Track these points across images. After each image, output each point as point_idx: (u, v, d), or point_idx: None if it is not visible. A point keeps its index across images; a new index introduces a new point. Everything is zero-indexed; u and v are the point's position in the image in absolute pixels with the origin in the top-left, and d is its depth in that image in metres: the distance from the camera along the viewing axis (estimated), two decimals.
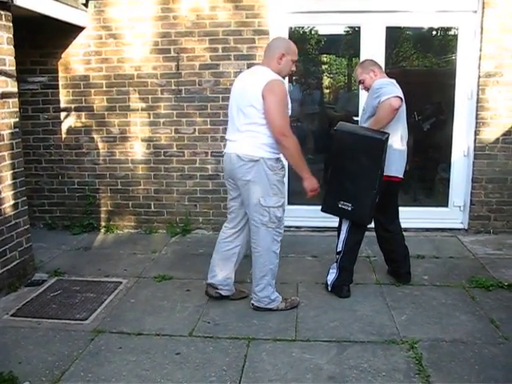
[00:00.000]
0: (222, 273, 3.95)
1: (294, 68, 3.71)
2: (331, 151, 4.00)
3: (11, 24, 4.21)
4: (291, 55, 3.63)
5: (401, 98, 3.74)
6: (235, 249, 3.95)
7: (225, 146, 5.52)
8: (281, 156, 3.65)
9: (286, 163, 3.74)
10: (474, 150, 5.49)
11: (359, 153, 3.81)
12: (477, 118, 5.43)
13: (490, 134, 5.42)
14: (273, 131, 3.48)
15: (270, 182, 3.59)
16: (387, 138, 3.77)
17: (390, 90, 3.75)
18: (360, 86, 4.27)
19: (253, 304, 3.84)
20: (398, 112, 3.76)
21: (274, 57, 3.59)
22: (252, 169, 3.56)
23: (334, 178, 4.01)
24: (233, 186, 3.79)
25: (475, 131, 5.46)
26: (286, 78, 5.57)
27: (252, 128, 3.54)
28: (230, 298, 4.01)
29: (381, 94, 3.75)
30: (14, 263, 4.29)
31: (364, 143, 3.80)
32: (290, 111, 3.60)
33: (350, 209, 3.87)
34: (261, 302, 3.80)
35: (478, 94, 5.39)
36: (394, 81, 3.95)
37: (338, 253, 4.06)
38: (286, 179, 3.89)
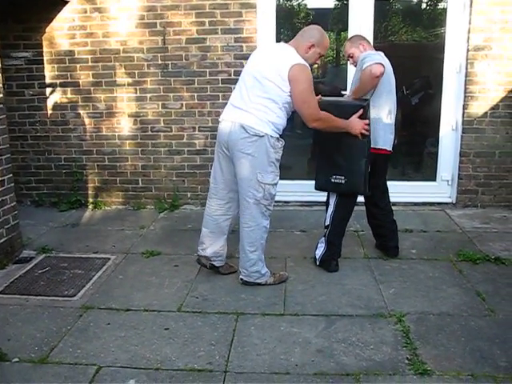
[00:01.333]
0: (213, 246, 3.94)
1: (318, 61, 3.76)
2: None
3: None
4: (321, 48, 3.63)
5: (383, 65, 3.70)
6: (227, 221, 3.93)
7: (212, 120, 5.60)
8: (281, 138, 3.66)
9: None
10: (462, 124, 5.49)
11: None
12: (465, 92, 5.41)
13: (479, 108, 5.41)
14: (305, 119, 3.55)
15: (270, 158, 3.56)
16: (368, 104, 3.78)
17: (372, 58, 3.73)
18: (349, 61, 4.22)
19: (242, 279, 3.84)
20: (379, 79, 3.73)
21: (304, 44, 3.57)
22: (255, 143, 3.51)
23: (323, 154, 4.00)
24: (225, 155, 3.71)
25: (463, 105, 5.45)
26: None
27: (265, 103, 3.49)
28: (219, 271, 4.03)
29: (363, 63, 3.74)
30: (1, 240, 4.26)
31: (346, 112, 3.77)
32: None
33: (343, 181, 3.86)
34: (250, 277, 3.80)
35: (466, 68, 5.36)
36: (381, 53, 3.92)
37: (326, 227, 4.06)
38: None
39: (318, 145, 4.02)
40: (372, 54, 3.81)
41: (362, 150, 3.80)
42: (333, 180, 3.90)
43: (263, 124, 3.49)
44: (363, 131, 3.72)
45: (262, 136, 3.49)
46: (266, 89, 3.48)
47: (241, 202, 3.74)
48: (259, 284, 3.82)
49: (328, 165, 3.93)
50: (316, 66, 7.39)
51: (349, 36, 4.21)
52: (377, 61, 3.70)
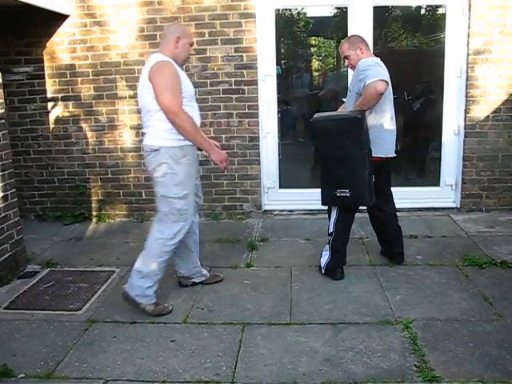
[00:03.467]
0: (186, 265, 3.95)
1: (191, 51, 3.72)
2: (314, 143, 3.98)
3: None
4: (187, 38, 3.59)
5: (386, 82, 3.69)
6: (188, 238, 3.82)
7: (214, 131, 5.61)
8: (187, 144, 3.50)
9: (198, 153, 3.70)
10: (465, 129, 5.48)
11: (340, 137, 3.79)
12: (466, 96, 5.41)
13: (480, 111, 5.41)
14: (165, 112, 3.38)
15: (172, 171, 3.46)
16: (364, 116, 3.75)
17: (375, 73, 3.68)
18: (345, 62, 4.14)
19: (124, 288, 3.64)
20: (383, 96, 3.73)
21: (170, 41, 3.53)
22: (154, 158, 3.47)
23: (325, 169, 3.98)
24: None
25: (465, 109, 5.44)
26: (269, 62, 5.56)
27: (150, 117, 3.46)
28: (204, 283, 4.03)
29: (366, 77, 3.69)
30: (6, 256, 4.25)
31: (342, 126, 3.79)
32: (186, 92, 3.46)
33: (348, 195, 3.84)
34: (133, 290, 3.58)
35: (467, 72, 5.36)
36: (378, 59, 3.90)
37: (330, 234, 4.05)
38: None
39: (320, 159, 4.00)
40: (373, 66, 3.75)
41: (364, 162, 3.78)
42: (338, 194, 3.87)
43: (157, 138, 3.45)
44: (221, 164, 3.62)
45: (158, 149, 3.44)
46: (145, 104, 3.47)
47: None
48: (138, 304, 3.58)
49: (331, 180, 3.91)
50: (316, 73, 7.42)
51: (344, 41, 4.13)
52: (381, 77, 3.65)
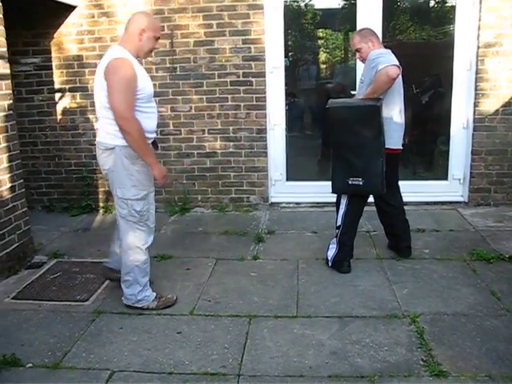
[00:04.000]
0: (116, 258, 3.76)
1: (156, 45, 3.48)
2: (329, 130, 3.92)
3: (1, 4, 4.13)
4: (153, 31, 3.35)
5: (398, 67, 3.67)
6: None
7: (221, 123, 5.60)
8: None
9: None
10: (474, 122, 5.45)
11: (357, 124, 3.76)
12: (476, 90, 5.37)
13: (490, 105, 5.37)
14: (114, 114, 3.19)
15: (128, 171, 3.32)
16: (381, 104, 3.74)
17: (387, 59, 3.68)
18: (356, 55, 4.14)
19: (123, 301, 3.61)
20: (395, 81, 3.71)
21: (134, 33, 3.29)
22: (109, 157, 3.33)
23: (338, 156, 3.94)
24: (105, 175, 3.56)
25: (474, 103, 5.41)
26: (277, 54, 5.53)
27: (105, 113, 3.28)
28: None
29: (377, 64, 3.68)
30: (13, 246, 4.27)
31: (359, 113, 3.76)
32: (143, 94, 3.27)
33: (361, 183, 3.82)
34: (128, 300, 3.56)
35: (477, 65, 5.32)
36: (389, 51, 3.88)
37: (338, 227, 4.04)
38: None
39: (332, 147, 3.94)
40: (385, 54, 3.76)
41: (379, 150, 3.77)
42: (350, 182, 3.85)
43: (111, 136, 3.28)
44: (161, 181, 3.45)
45: (113, 148, 3.29)
46: (101, 100, 3.27)
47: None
48: (141, 308, 3.56)
49: (344, 167, 3.88)
50: (324, 66, 7.38)
51: (355, 34, 4.11)
52: (392, 62, 3.65)
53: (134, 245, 3.46)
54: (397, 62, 3.69)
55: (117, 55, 3.21)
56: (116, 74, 3.15)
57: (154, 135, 3.48)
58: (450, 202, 5.69)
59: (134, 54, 3.30)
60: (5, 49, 4.18)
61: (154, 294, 3.62)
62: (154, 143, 3.55)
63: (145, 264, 3.53)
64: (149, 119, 3.36)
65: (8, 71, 4.23)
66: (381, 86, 3.70)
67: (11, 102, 4.27)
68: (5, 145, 4.18)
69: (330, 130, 3.92)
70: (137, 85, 3.21)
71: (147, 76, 3.40)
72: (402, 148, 4.06)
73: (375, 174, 3.80)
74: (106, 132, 3.30)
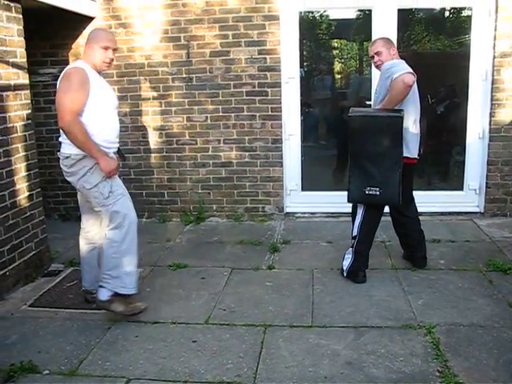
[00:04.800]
0: (89, 277, 3.77)
1: (109, 55, 3.43)
2: (348, 139, 3.91)
3: (21, 16, 4.21)
4: (99, 42, 3.39)
5: (413, 74, 3.68)
6: (94, 251, 3.73)
7: (237, 133, 5.63)
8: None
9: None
10: (490, 132, 5.43)
11: (379, 134, 3.76)
12: (492, 100, 5.35)
13: (506, 115, 5.34)
14: (58, 118, 3.29)
15: (87, 179, 3.42)
16: (403, 115, 3.73)
17: (401, 68, 3.70)
18: (372, 60, 4.10)
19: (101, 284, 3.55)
20: (411, 89, 3.71)
21: (87, 48, 3.44)
22: (69, 163, 3.42)
23: (356, 166, 3.91)
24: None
25: (490, 113, 5.39)
26: (293, 65, 5.54)
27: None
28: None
29: (392, 73, 3.70)
30: (30, 254, 4.31)
31: (383, 124, 3.77)
32: (97, 102, 3.34)
33: (378, 193, 3.81)
34: (107, 283, 3.50)
35: (492, 75, 5.31)
36: (403, 61, 3.90)
37: (354, 237, 4.03)
38: None
39: (351, 156, 3.92)
40: (399, 63, 3.78)
41: (397, 161, 3.77)
42: (367, 192, 3.84)
43: (67, 146, 3.39)
44: (108, 174, 3.41)
45: (68, 157, 3.39)
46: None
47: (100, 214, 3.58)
48: (108, 308, 3.53)
49: (362, 176, 3.87)
50: (339, 76, 7.39)
51: (377, 39, 4.12)
52: (407, 70, 3.67)
53: (121, 224, 3.45)
54: (411, 71, 3.70)
55: (72, 65, 3.40)
56: (66, 80, 3.29)
57: (115, 145, 3.59)
58: (466, 213, 5.66)
59: (93, 68, 3.41)
60: (24, 59, 4.25)
61: (134, 289, 3.55)
62: (120, 153, 3.69)
63: (133, 243, 3.52)
64: (105, 129, 3.44)
65: (27, 81, 4.30)
66: (398, 93, 3.71)
67: (30, 111, 4.34)
68: (23, 154, 4.24)
69: (350, 138, 3.90)
70: (88, 91, 3.30)
71: (107, 89, 3.52)
72: (418, 158, 4.06)
73: (393, 184, 3.79)
74: (64, 143, 3.42)
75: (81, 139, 3.30)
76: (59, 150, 3.49)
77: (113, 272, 3.46)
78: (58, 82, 3.39)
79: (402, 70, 3.66)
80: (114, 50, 3.51)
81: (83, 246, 3.79)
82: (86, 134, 3.31)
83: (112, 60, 3.52)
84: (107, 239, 3.48)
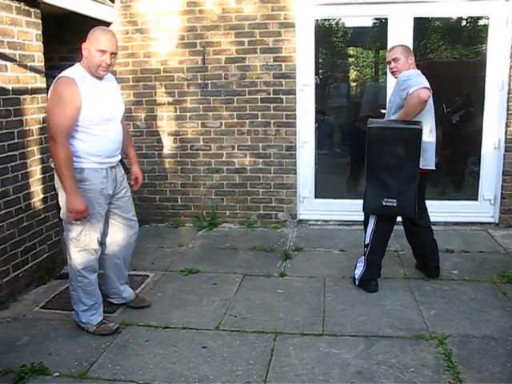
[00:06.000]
0: (105, 284, 3.74)
1: (105, 59, 3.18)
2: (367, 149, 3.89)
3: (40, 21, 4.27)
4: (93, 44, 3.17)
5: (429, 89, 3.67)
6: (110, 261, 3.68)
7: (251, 139, 5.63)
8: (89, 167, 3.25)
9: (107, 174, 3.32)
10: (505, 143, 5.38)
11: (398, 146, 3.75)
12: (508, 110, 5.31)
13: None
14: (48, 134, 3.14)
15: (62, 193, 3.24)
16: (422, 127, 3.73)
17: (417, 82, 3.68)
18: (389, 65, 4.07)
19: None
20: (426, 103, 3.70)
21: (83, 51, 3.22)
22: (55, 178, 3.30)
23: (373, 176, 3.90)
24: None
25: (506, 123, 5.34)
26: (308, 72, 5.54)
27: None
28: (128, 306, 3.82)
29: (408, 86, 3.69)
30: (44, 256, 4.35)
31: (402, 135, 3.76)
32: (91, 114, 3.17)
33: (395, 205, 3.80)
34: (74, 315, 3.51)
35: (509, 85, 5.26)
36: (419, 72, 3.89)
37: (366, 245, 4.02)
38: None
39: (368, 167, 3.90)
40: (415, 76, 3.77)
41: (415, 173, 3.77)
42: (384, 203, 3.83)
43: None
44: (70, 214, 3.19)
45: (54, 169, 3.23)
46: None
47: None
48: (82, 328, 3.48)
49: (378, 188, 3.85)
50: (354, 84, 7.38)
51: (397, 45, 4.11)
52: (423, 85, 3.65)
53: (75, 266, 3.38)
54: (427, 84, 3.69)
55: (63, 74, 3.17)
56: (54, 93, 3.12)
57: (112, 159, 3.38)
58: (480, 223, 5.61)
59: (88, 72, 3.23)
60: (42, 64, 4.30)
61: (100, 318, 3.50)
62: (124, 167, 3.52)
63: (88, 286, 3.42)
64: (97, 142, 3.24)
65: (44, 85, 4.34)
66: (413, 108, 3.71)
67: (46, 115, 4.37)
68: (39, 156, 4.28)
69: (369, 149, 3.88)
70: (80, 105, 3.11)
71: (105, 97, 3.30)
72: (434, 169, 4.04)
73: (409, 196, 3.78)
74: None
75: (58, 162, 3.10)
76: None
77: None
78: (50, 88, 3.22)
79: (418, 85, 3.65)
80: (113, 54, 3.23)
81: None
82: (66, 160, 3.09)
83: (109, 65, 3.25)
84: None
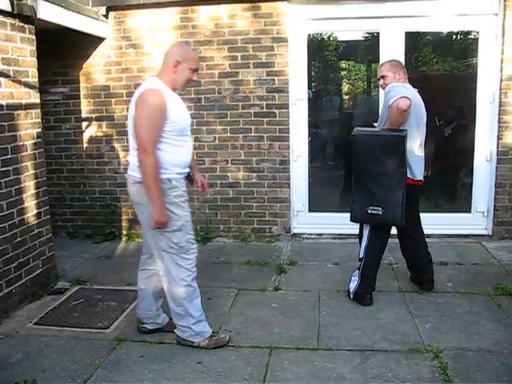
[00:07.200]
0: (142, 305, 3.63)
1: (194, 77, 3.34)
2: (352, 157, 3.94)
3: (34, 37, 4.28)
4: (188, 63, 3.26)
5: (409, 98, 3.68)
6: (151, 279, 3.56)
7: (245, 153, 5.65)
8: (175, 176, 3.27)
9: (182, 183, 3.34)
10: (497, 155, 5.42)
11: (381, 153, 3.77)
12: (499, 122, 5.35)
13: None
14: (137, 145, 3.14)
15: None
16: (406, 135, 3.75)
17: (397, 92, 3.72)
18: (379, 81, 4.13)
19: (175, 332, 3.50)
20: (408, 112, 3.73)
21: (169, 65, 3.24)
22: (139, 190, 3.24)
23: (359, 184, 3.94)
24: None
25: (498, 135, 5.38)
26: (301, 86, 5.58)
27: (135, 145, 3.21)
28: (162, 330, 3.67)
29: (389, 98, 3.75)
30: (37, 272, 4.32)
31: (385, 143, 3.78)
32: (174, 126, 3.19)
33: (380, 213, 3.81)
34: (183, 332, 3.43)
35: (500, 98, 5.32)
36: (406, 85, 3.92)
37: (360, 259, 4.02)
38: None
39: (354, 175, 3.94)
40: (396, 87, 3.80)
41: (400, 181, 3.77)
42: (369, 211, 3.84)
43: (138, 168, 3.20)
44: (155, 224, 3.19)
45: (141, 182, 3.19)
46: (133, 131, 3.22)
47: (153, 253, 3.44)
48: (192, 344, 3.43)
49: (364, 196, 3.88)
50: (347, 97, 7.42)
51: (385, 62, 4.15)
52: (402, 94, 3.68)
53: (179, 277, 3.33)
54: (407, 94, 3.71)
55: (149, 86, 3.19)
56: (144, 104, 3.12)
57: (186, 170, 3.38)
58: (474, 235, 5.63)
59: (170, 86, 3.25)
60: (36, 79, 4.30)
61: (211, 330, 3.50)
62: (189, 177, 3.46)
63: (194, 295, 3.41)
64: (179, 153, 3.27)
65: (38, 100, 4.35)
66: (395, 119, 3.76)
67: (40, 130, 4.38)
68: (32, 172, 4.27)
69: (354, 157, 3.93)
70: (167, 116, 3.14)
71: (184, 109, 3.36)
72: (422, 180, 4.06)
73: (395, 204, 3.79)
74: (136, 165, 3.21)
75: (149, 175, 3.12)
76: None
77: None
78: (132, 101, 3.23)
79: (397, 95, 3.68)
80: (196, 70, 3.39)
81: (142, 269, 3.64)
82: (157, 170, 3.14)
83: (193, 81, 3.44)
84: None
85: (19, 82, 4.10)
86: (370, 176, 3.84)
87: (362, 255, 4.01)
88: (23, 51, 4.14)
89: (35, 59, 4.28)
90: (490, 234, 5.60)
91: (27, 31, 4.18)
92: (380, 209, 3.81)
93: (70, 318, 3.95)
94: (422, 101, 3.99)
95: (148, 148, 3.09)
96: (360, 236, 4.08)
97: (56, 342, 3.56)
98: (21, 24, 4.09)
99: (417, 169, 3.98)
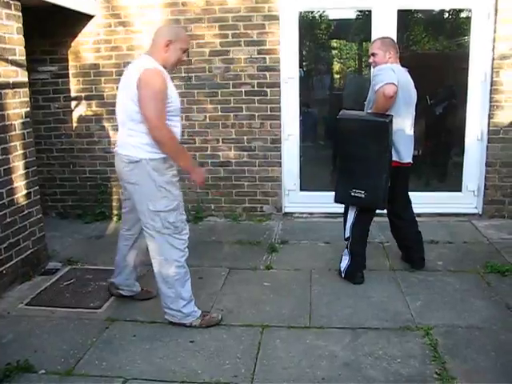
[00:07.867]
0: (121, 274, 3.76)
1: (184, 57, 3.37)
2: (337, 140, 3.95)
3: (20, 14, 4.19)
4: (180, 43, 3.27)
5: (395, 84, 3.65)
6: (132, 252, 3.69)
7: (236, 132, 5.62)
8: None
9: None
10: (488, 134, 5.42)
11: (365, 138, 3.78)
12: (491, 101, 5.35)
13: (505, 117, 5.34)
14: (147, 126, 3.13)
15: (157, 184, 3.23)
16: (391, 120, 3.74)
17: (384, 77, 3.68)
18: (370, 58, 4.07)
19: (166, 318, 3.49)
20: (394, 98, 3.71)
21: (160, 44, 3.23)
22: (134, 171, 3.23)
23: (343, 167, 3.98)
24: (124, 187, 3.47)
25: (489, 114, 5.38)
26: (292, 65, 5.54)
27: (132, 126, 3.21)
28: (134, 298, 3.83)
29: (376, 82, 3.72)
30: (28, 252, 4.30)
31: (369, 128, 3.78)
32: (171, 106, 3.21)
33: (363, 196, 3.83)
34: (174, 317, 3.44)
35: (492, 77, 5.30)
36: (396, 66, 3.88)
37: (347, 239, 4.04)
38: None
39: (338, 158, 3.99)
40: (384, 70, 3.76)
41: (384, 165, 3.78)
42: (352, 194, 3.87)
43: (136, 149, 3.20)
44: (201, 184, 3.57)
45: (138, 161, 3.19)
46: (128, 111, 3.20)
47: (145, 234, 3.43)
48: (184, 324, 3.45)
49: (348, 178, 3.91)
50: (338, 76, 7.39)
51: (377, 39, 4.11)
52: (388, 81, 3.64)
53: (172, 258, 3.35)
54: (393, 79, 3.67)
55: (148, 65, 3.15)
56: (149, 85, 3.09)
57: None
58: (464, 214, 5.66)
59: (161, 65, 3.24)
60: (23, 57, 4.23)
61: (200, 311, 3.51)
62: None
63: (185, 277, 3.42)
64: (175, 132, 3.27)
65: (26, 79, 4.29)
66: (381, 105, 3.75)
67: (28, 109, 4.33)
68: (21, 152, 4.23)
69: (339, 140, 3.95)
70: (167, 96, 3.16)
71: (174, 89, 3.33)
72: (411, 162, 4.06)
73: (377, 188, 3.81)
74: (132, 145, 3.21)
75: (173, 146, 3.21)
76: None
77: None
78: (128, 78, 3.20)
79: (383, 81, 3.65)
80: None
81: (123, 243, 3.73)
82: (178, 140, 3.25)
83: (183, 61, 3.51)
84: None
85: (6, 61, 4.02)
86: (354, 159, 3.86)
87: (347, 234, 4.03)
88: (9, 28, 4.06)
89: (22, 37, 4.20)
90: (480, 212, 5.63)
91: (13, 7, 4.09)
92: (363, 192, 3.83)
93: (61, 298, 3.94)
94: (411, 81, 3.96)
95: (161, 125, 3.13)
96: (345, 215, 4.08)
97: (48, 323, 3.55)
98: (6, 0, 4.01)
99: (405, 151, 3.97)
